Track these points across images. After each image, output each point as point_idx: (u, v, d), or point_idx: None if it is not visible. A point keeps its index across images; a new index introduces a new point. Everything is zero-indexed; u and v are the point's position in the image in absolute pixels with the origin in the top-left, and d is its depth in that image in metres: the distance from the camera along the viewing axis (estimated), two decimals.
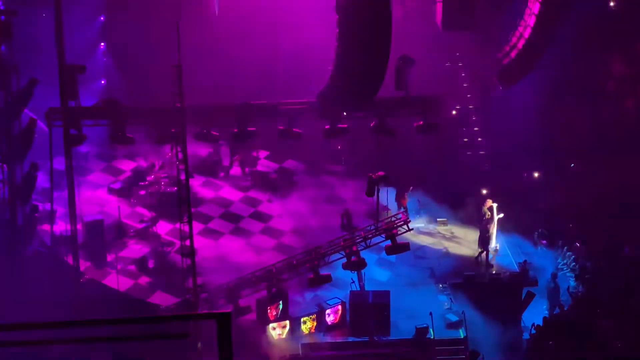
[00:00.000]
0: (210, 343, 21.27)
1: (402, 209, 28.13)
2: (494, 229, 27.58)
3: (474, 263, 27.15)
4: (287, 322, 24.38)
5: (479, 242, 27.50)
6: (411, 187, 29.28)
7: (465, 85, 32.59)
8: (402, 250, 24.79)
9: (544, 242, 28.26)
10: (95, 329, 5.89)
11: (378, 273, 26.86)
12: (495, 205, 27.56)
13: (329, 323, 24.81)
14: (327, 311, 24.76)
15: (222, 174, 31.59)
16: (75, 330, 5.93)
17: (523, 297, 25.29)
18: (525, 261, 26.35)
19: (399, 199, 28.95)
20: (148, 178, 29.82)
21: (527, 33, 27.28)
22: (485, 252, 27.23)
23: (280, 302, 24.30)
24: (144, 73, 30.66)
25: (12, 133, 24.83)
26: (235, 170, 31.75)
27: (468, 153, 32.10)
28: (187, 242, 22.42)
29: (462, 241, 28.52)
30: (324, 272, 24.37)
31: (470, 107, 32.49)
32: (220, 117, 26.11)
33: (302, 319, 24.50)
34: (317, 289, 25.18)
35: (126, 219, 28.74)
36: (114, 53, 33.07)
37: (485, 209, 27.55)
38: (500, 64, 28.59)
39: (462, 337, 24.38)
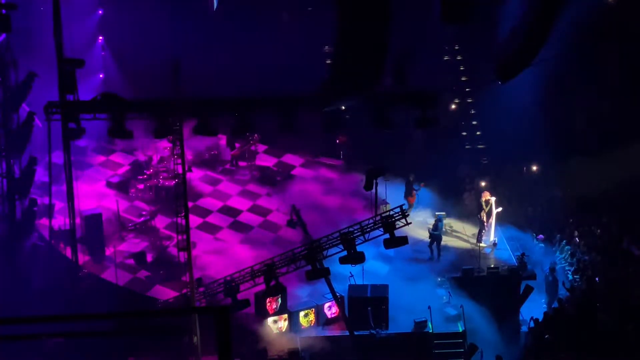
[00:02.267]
0: (208, 337, 21.28)
1: (409, 206, 28.20)
2: (492, 223, 27.59)
3: (472, 257, 27.14)
4: (287, 315, 24.38)
5: (477, 237, 27.54)
6: (422, 183, 29.13)
7: (464, 78, 32.59)
8: (400, 243, 24.73)
9: (542, 236, 28.26)
10: (93, 322, 5.88)
11: (377, 267, 26.87)
12: (493, 199, 27.57)
13: (329, 316, 24.82)
14: (327, 304, 24.77)
15: (220, 168, 31.58)
16: (73, 324, 5.92)
17: (521, 291, 25.31)
18: (523, 254, 26.35)
19: (407, 196, 28.94)
20: (146, 172, 29.81)
21: (525, 26, 27.22)
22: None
23: (279, 295, 24.30)
24: (142, 66, 30.65)
25: (10, 127, 24.83)
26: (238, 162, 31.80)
27: (467, 147, 32.10)
28: (184, 236, 22.38)
29: (461, 235, 28.54)
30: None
31: (469, 100, 32.50)
32: (219, 110, 26.06)
33: (301, 312, 24.50)
34: (316, 282, 25.16)
35: (125, 213, 28.74)
36: (112, 47, 33.08)
37: (482, 201, 27.56)
38: (499, 57, 28.52)
39: (460, 330, 24.37)
